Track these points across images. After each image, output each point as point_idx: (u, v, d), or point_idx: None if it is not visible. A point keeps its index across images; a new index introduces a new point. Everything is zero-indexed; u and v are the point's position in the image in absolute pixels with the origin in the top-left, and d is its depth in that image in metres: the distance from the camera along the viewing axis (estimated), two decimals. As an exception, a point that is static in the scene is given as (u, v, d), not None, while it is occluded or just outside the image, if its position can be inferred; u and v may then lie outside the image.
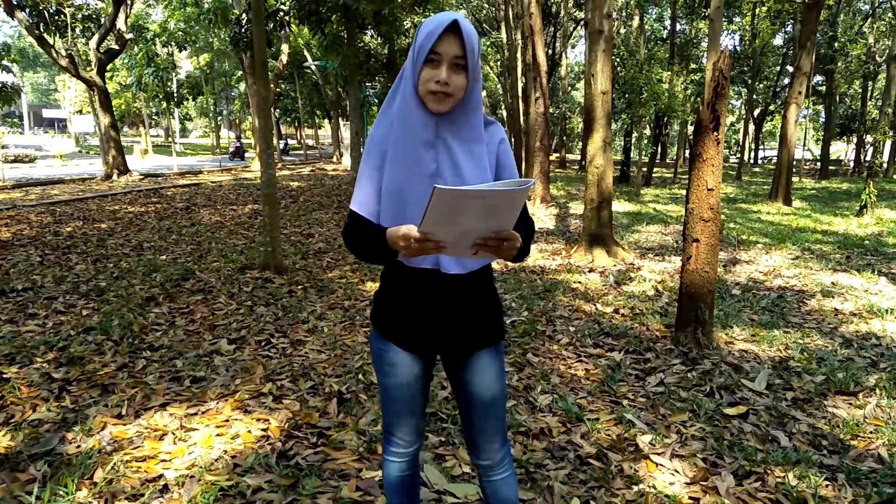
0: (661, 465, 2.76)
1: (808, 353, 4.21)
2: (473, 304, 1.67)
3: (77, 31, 16.04)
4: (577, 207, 12.81)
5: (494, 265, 7.05)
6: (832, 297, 5.84)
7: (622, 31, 21.91)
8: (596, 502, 2.47)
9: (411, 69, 1.54)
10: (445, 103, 1.53)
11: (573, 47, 40.05)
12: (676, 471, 2.71)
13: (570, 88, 35.54)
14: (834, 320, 5.09)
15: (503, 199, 1.31)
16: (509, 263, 7.15)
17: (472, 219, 1.34)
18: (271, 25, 11.53)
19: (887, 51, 16.40)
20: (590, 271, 6.84)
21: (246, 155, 30.51)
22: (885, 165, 26.14)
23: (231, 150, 29.70)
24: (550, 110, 23.30)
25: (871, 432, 3.09)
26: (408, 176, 1.56)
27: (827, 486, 2.61)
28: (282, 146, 33.40)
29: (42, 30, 15.15)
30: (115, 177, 16.39)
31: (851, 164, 33.83)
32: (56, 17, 15.35)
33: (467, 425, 1.78)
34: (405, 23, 14.56)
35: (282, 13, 11.40)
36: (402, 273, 1.65)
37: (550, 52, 25.17)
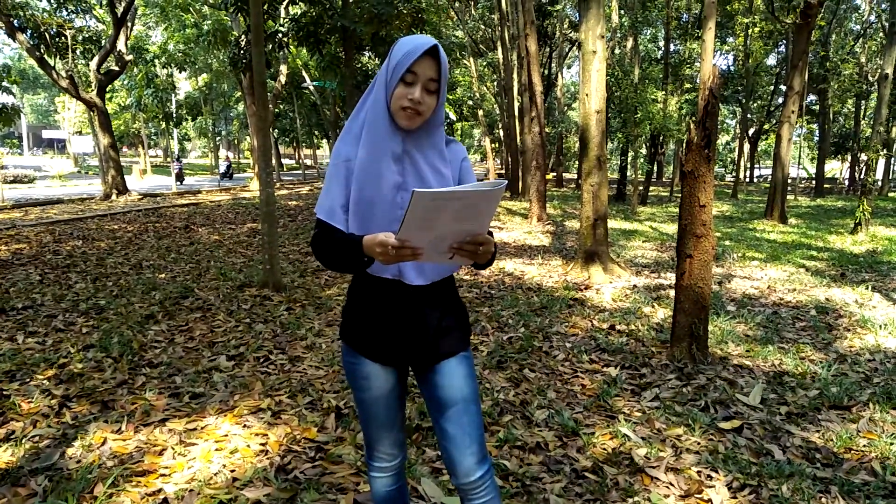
0: (656, 478, 2.79)
1: (803, 368, 4.25)
2: (438, 314, 1.72)
3: (77, 52, 16.20)
4: (573, 225, 12.88)
5: (486, 278, 7.09)
6: (826, 312, 5.89)
7: (616, 51, 22.17)
8: (591, 514, 2.49)
9: (383, 86, 1.59)
10: (415, 121, 1.60)
11: (569, 67, 40.46)
12: (671, 484, 2.74)
13: (566, 108, 35.87)
14: (828, 336, 5.14)
15: (480, 199, 1.37)
16: (506, 280, 7.20)
17: (449, 221, 1.39)
18: (270, 47, 11.68)
19: (878, 70, 16.63)
20: (586, 288, 6.89)
21: (186, 179, 25.93)
22: (878, 183, 26.37)
23: (175, 171, 24.79)
24: (547, 130, 23.51)
25: (864, 446, 3.12)
26: (375, 187, 1.61)
27: (820, 498, 2.64)
28: (223, 168, 28.92)
29: (43, 51, 15.31)
30: (114, 196, 16.47)
31: (846, 182, 34.05)
32: (57, 39, 15.52)
33: (442, 437, 1.75)
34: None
35: (281, 35, 11.56)
36: (367, 285, 1.70)
37: (546, 72, 25.45)
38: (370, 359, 1.73)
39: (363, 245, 1.51)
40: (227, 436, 3.09)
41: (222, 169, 28.76)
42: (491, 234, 1.74)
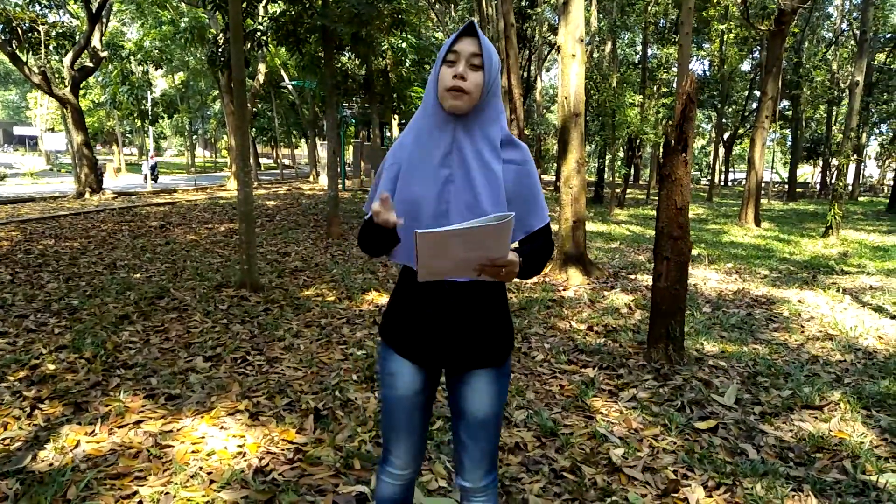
0: (633, 477, 2.82)
1: (776, 369, 4.33)
2: (480, 318, 1.67)
3: (51, 48, 15.89)
4: (552, 227, 12.95)
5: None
6: (799, 314, 6.00)
7: (595, 55, 22.35)
8: (570, 514, 2.51)
9: (434, 75, 1.60)
10: (462, 100, 1.55)
11: (548, 70, 40.68)
12: (648, 483, 2.77)
13: (545, 111, 36.05)
14: (800, 337, 5.23)
15: (486, 233, 1.36)
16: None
17: (462, 251, 1.40)
18: (249, 45, 11.58)
19: (849, 77, 16.99)
20: (564, 289, 6.93)
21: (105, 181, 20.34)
22: (849, 188, 26.91)
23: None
24: (526, 132, 23.61)
25: (835, 445, 3.18)
26: (422, 181, 1.60)
27: (793, 496, 2.68)
28: (146, 168, 22.58)
29: (15, 47, 14.99)
30: (87, 195, 16.18)
31: (818, 186, 34.72)
32: (30, 35, 15.21)
33: (457, 441, 1.76)
34: (382, 44, 14.71)
35: (259, 33, 11.45)
36: (413, 282, 1.67)
37: (525, 74, 25.57)
38: (401, 355, 1.71)
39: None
40: (203, 437, 3.05)
41: (145, 169, 22.99)
42: (550, 245, 1.70)
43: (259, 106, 30.42)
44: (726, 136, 32.19)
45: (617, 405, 3.67)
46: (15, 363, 3.96)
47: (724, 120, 30.22)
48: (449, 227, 1.37)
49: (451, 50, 1.55)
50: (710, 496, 2.67)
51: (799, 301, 6.56)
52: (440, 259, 1.42)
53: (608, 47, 21.41)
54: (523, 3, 23.76)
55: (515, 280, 7.27)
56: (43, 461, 2.77)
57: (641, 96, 18.46)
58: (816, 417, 3.54)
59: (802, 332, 5.40)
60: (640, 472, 2.85)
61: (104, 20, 17.46)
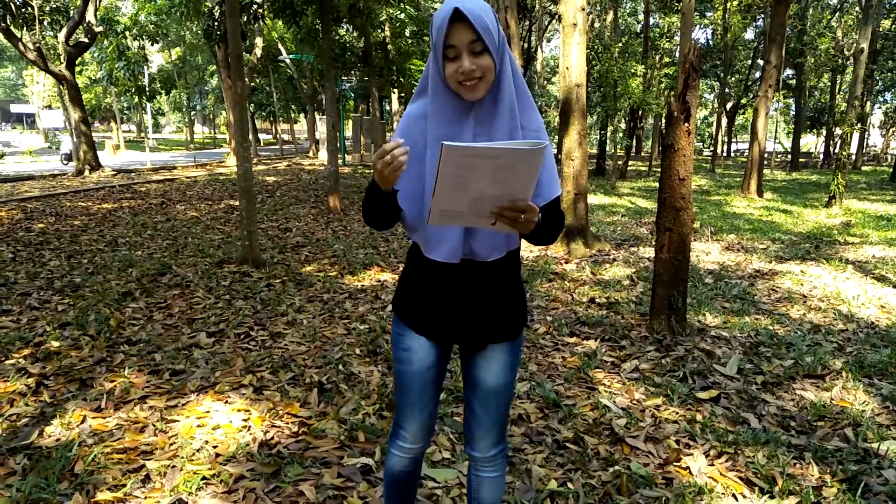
0: (636, 447, 2.84)
1: (778, 339, 4.33)
2: (496, 295, 1.66)
3: (45, 23, 15.71)
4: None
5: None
6: (801, 284, 5.99)
7: (596, 24, 22.06)
8: (573, 484, 2.53)
9: (435, 63, 1.51)
10: (479, 89, 1.49)
11: (548, 41, 40.17)
12: (651, 453, 2.79)
13: (545, 82, 35.69)
14: (802, 307, 5.23)
15: (515, 158, 1.27)
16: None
17: (485, 182, 1.30)
18: (245, 18, 11.42)
19: (854, 45, 16.79)
20: (566, 262, 6.93)
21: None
22: (852, 157, 26.74)
23: None
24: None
25: (837, 413, 3.20)
26: None
27: (795, 464, 2.71)
28: (66, 148, 19.20)
29: (9, 23, 14.82)
30: (86, 173, 16.12)
31: (821, 156, 34.50)
32: (23, 10, 15.03)
33: (468, 410, 1.78)
34: (380, 15, 14.51)
35: (256, 6, 11.29)
36: (426, 259, 1.64)
37: (526, 46, 25.25)
38: (417, 331, 1.70)
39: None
40: (208, 412, 3.07)
41: (65, 149, 19.62)
42: (561, 216, 1.63)
43: (257, 80, 30.13)
44: (729, 105, 31.88)
45: (619, 376, 3.68)
46: (19, 340, 3.98)
47: (726, 90, 29.91)
48: (478, 144, 1.26)
49: (448, 46, 1.45)
50: (713, 465, 2.69)
51: (801, 272, 6.55)
52: (460, 191, 1.31)
53: (610, 16, 21.12)
54: (523, -27, 23.34)
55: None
56: (50, 437, 2.79)
57: (643, 66, 18.24)
58: (818, 386, 3.56)
59: (805, 302, 5.40)
60: (643, 442, 2.87)
61: (98, -6, 17.20)
